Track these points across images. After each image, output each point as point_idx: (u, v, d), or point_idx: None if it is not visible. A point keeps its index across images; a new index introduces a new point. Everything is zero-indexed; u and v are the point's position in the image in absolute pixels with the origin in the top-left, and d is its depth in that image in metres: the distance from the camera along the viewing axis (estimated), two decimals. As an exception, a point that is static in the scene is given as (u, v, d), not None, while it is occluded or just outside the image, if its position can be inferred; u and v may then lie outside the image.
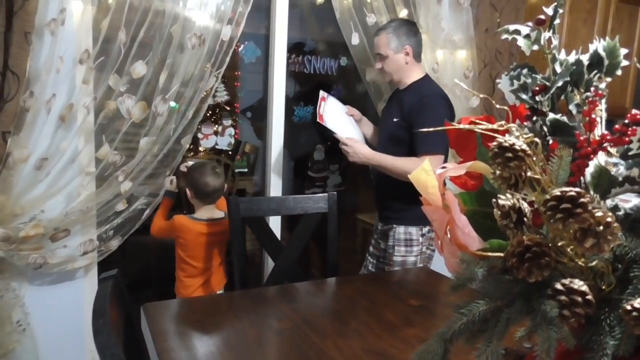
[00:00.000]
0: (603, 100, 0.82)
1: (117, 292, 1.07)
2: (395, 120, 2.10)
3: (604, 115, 0.80)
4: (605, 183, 0.72)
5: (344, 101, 2.32)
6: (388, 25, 2.11)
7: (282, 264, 1.93)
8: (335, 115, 2.20)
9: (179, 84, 1.96)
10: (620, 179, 0.74)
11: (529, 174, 0.58)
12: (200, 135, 2.67)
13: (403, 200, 2.08)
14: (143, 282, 2.81)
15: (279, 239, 2.36)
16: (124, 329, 1.11)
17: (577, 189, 0.54)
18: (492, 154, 0.54)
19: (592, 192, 0.74)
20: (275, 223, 2.43)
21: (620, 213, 0.71)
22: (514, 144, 0.53)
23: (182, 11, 1.95)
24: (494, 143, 0.54)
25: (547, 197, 0.55)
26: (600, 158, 0.79)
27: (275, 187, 2.49)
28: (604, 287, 0.63)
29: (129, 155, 1.95)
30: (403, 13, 2.42)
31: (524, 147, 0.53)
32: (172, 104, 1.99)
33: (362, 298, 1.60)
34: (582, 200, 0.54)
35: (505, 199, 0.60)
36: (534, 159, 0.55)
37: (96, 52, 1.83)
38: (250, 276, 2.50)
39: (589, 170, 0.71)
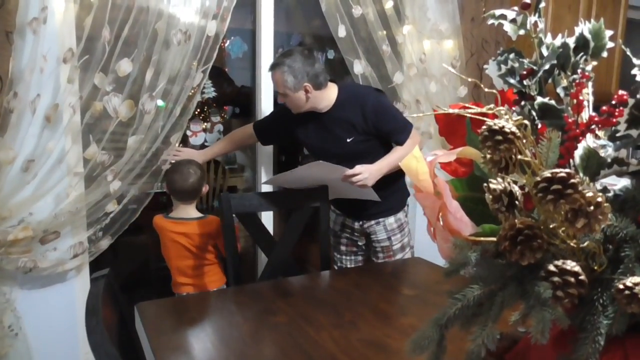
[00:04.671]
0: (590, 84, 0.83)
1: (110, 291, 1.06)
2: (349, 139, 2.03)
3: (591, 98, 0.80)
4: (594, 165, 0.72)
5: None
6: (282, 61, 1.93)
7: (276, 259, 1.93)
8: (294, 175, 2.08)
9: (166, 81, 1.94)
10: (609, 160, 0.74)
11: (519, 156, 0.58)
12: (189, 133, 2.66)
13: (387, 191, 2.08)
14: (135, 282, 2.79)
15: (272, 234, 2.36)
16: (118, 328, 1.10)
17: (567, 170, 0.54)
18: (482, 138, 0.54)
19: (581, 174, 0.75)
20: (267, 218, 2.42)
21: (610, 194, 0.72)
22: (503, 127, 0.53)
23: (167, 7, 1.93)
24: (484, 126, 0.54)
25: (538, 179, 0.55)
26: (589, 140, 0.79)
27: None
28: (595, 268, 0.64)
29: (117, 155, 1.93)
30: (389, 4, 2.42)
31: (514, 129, 0.53)
32: (160, 102, 1.97)
33: (356, 290, 1.60)
34: (572, 181, 0.54)
35: (497, 183, 0.60)
36: (524, 141, 0.55)
37: (80, 50, 1.80)
38: (244, 273, 2.49)
39: (578, 153, 0.72)
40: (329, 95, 2.04)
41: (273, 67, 1.97)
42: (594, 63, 0.78)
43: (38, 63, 1.72)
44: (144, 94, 1.90)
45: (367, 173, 1.91)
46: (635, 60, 0.72)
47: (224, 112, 3.16)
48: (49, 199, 1.85)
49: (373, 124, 2.00)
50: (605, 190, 0.73)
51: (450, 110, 0.62)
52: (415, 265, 1.93)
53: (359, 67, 2.41)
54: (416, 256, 2.14)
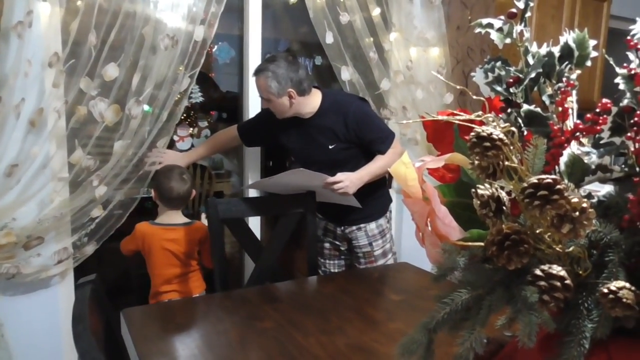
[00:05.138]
0: (574, 92, 0.85)
1: (96, 297, 1.05)
2: (332, 146, 2.04)
3: (575, 106, 0.82)
4: (579, 171, 0.74)
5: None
6: (266, 67, 1.93)
7: (263, 265, 1.92)
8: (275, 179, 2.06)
9: (153, 86, 1.94)
10: (593, 167, 0.76)
11: (506, 163, 0.59)
12: (176, 138, 2.65)
13: (368, 197, 2.09)
14: (120, 288, 2.76)
15: (259, 239, 2.35)
16: (105, 334, 1.09)
17: (554, 176, 0.56)
18: (471, 144, 0.55)
19: (566, 180, 0.76)
20: (254, 224, 2.42)
21: (594, 200, 0.74)
22: (491, 134, 0.54)
23: (153, 13, 1.92)
24: (473, 133, 0.55)
25: (525, 185, 0.56)
26: (573, 147, 0.81)
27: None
28: (580, 272, 0.65)
29: (103, 160, 1.92)
30: (376, 12, 2.44)
31: (501, 136, 0.54)
32: (146, 107, 1.96)
33: (344, 295, 1.60)
34: (558, 187, 0.55)
35: (484, 189, 0.61)
36: (511, 148, 0.56)
37: (66, 55, 1.79)
38: (230, 278, 2.48)
39: (563, 159, 0.73)
40: (313, 101, 2.04)
41: (257, 73, 1.96)
42: (579, 71, 0.80)
43: (23, 67, 1.70)
44: (131, 99, 1.89)
45: (348, 181, 1.93)
46: (618, 70, 0.74)
47: (211, 117, 3.15)
48: (33, 204, 1.83)
49: (355, 132, 2.01)
50: (589, 196, 0.75)
51: (439, 117, 0.63)
52: (402, 271, 1.94)
53: (346, 74, 2.42)
54: (403, 261, 2.15)
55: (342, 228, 2.21)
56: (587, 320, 0.63)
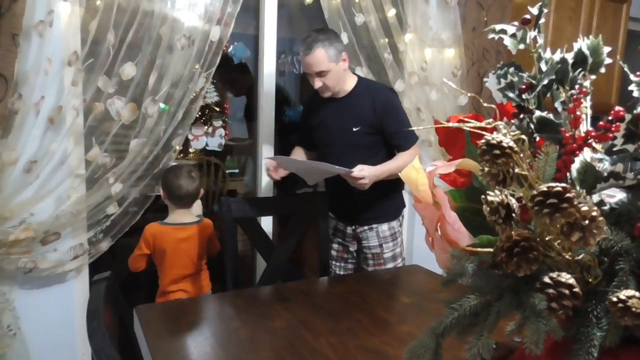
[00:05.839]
0: (588, 98, 0.84)
1: (111, 293, 1.07)
2: (355, 129, 2.05)
3: (589, 112, 0.82)
4: (591, 178, 0.74)
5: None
6: (316, 38, 1.94)
7: (274, 264, 1.94)
8: (295, 164, 2.09)
9: (169, 85, 1.96)
10: (605, 174, 0.75)
11: (516, 170, 0.60)
12: (190, 137, 2.67)
13: (382, 198, 2.09)
14: (133, 284, 2.80)
15: (271, 238, 2.37)
16: (119, 330, 1.11)
17: (564, 184, 0.56)
18: (481, 151, 0.55)
19: (578, 188, 0.76)
20: (267, 223, 2.43)
21: (606, 208, 0.73)
22: (501, 142, 0.54)
23: (171, 12, 1.94)
24: (483, 141, 0.55)
25: (535, 192, 0.56)
26: (586, 154, 0.81)
27: (266, 187, 2.50)
28: (590, 280, 0.65)
29: (119, 157, 1.95)
30: (391, 12, 2.44)
31: (512, 144, 0.54)
32: (162, 105, 1.98)
33: (355, 296, 1.61)
34: (568, 195, 0.55)
35: (494, 195, 0.61)
36: (521, 155, 0.56)
37: (85, 53, 1.82)
38: (242, 277, 2.50)
39: (575, 166, 0.73)
40: (351, 80, 2.09)
41: (310, 47, 1.94)
42: (593, 77, 0.80)
43: (43, 65, 1.74)
44: (147, 98, 1.92)
45: (367, 179, 1.93)
46: (632, 77, 0.73)
47: (226, 116, 3.18)
48: (50, 200, 1.86)
49: (380, 119, 2.02)
50: (601, 203, 0.74)
51: (449, 124, 0.63)
52: (414, 273, 1.93)
53: (361, 74, 2.42)
54: (414, 264, 2.15)
55: (353, 227, 2.20)
56: (597, 328, 0.63)
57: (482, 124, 0.60)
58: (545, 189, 0.56)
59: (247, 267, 2.80)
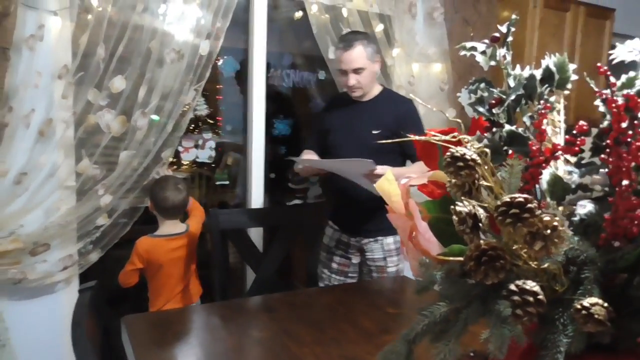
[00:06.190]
0: (562, 112, 0.88)
1: (95, 303, 1.09)
2: (375, 132, 2.06)
3: (563, 125, 0.85)
4: (560, 190, 0.77)
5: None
6: (356, 37, 2.03)
7: (262, 275, 1.95)
8: (317, 163, 2.07)
9: (159, 98, 1.99)
10: (573, 186, 0.78)
11: (482, 182, 0.62)
12: (180, 149, 2.69)
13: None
14: (122, 296, 2.79)
15: (262, 249, 2.38)
16: (104, 340, 1.12)
17: (525, 195, 0.58)
18: (445, 164, 0.58)
19: (548, 199, 0.79)
20: (257, 234, 2.45)
21: (576, 218, 0.76)
22: (464, 154, 0.56)
23: (161, 25, 1.97)
24: (448, 153, 0.58)
25: (498, 203, 0.59)
26: (560, 166, 0.84)
27: (256, 199, 2.51)
28: (557, 288, 0.67)
29: (109, 169, 1.97)
30: (379, 28, 2.49)
31: (474, 156, 0.57)
32: (153, 117, 2.01)
33: (341, 307, 1.62)
34: (529, 205, 0.58)
35: (462, 206, 0.64)
36: (485, 167, 0.59)
37: (75, 67, 1.84)
38: (232, 288, 2.50)
39: (545, 178, 0.76)
40: (377, 86, 2.15)
41: (351, 44, 2.00)
42: (567, 92, 0.83)
43: (33, 79, 1.76)
44: (137, 110, 1.94)
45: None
46: (597, 92, 0.77)
47: (218, 128, 3.20)
48: (40, 212, 1.88)
49: (401, 126, 2.00)
50: (572, 214, 0.77)
51: (416, 138, 0.66)
52: (401, 284, 1.95)
53: (349, 88, 2.46)
54: (403, 275, 2.16)
55: (357, 239, 2.15)
56: (563, 335, 0.65)
57: (447, 137, 0.62)
58: (508, 199, 0.59)
59: (237, 278, 2.81)
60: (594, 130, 0.79)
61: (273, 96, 2.85)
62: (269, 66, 2.81)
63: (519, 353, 0.73)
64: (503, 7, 2.85)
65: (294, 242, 2.03)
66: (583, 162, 0.81)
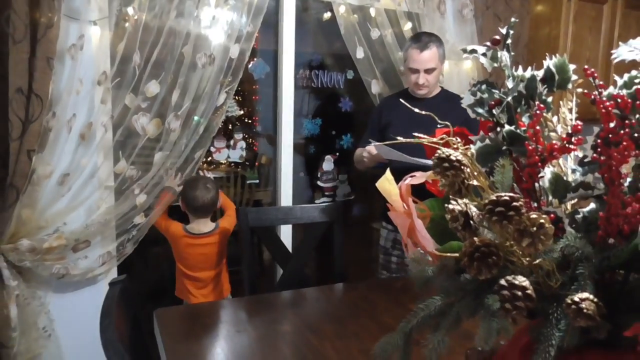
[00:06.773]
0: (574, 108, 0.89)
1: (124, 296, 1.16)
2: (440, 126, 2.09)
3: (572, 122, 0.86)
4: (561, 188, 0.78)
5: (353, 111, 2.35)
6: (431, 39, 2.15)
7: (290, 272, 2.01)
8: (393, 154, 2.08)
9: (191, 101, 2.07)
10: (574, 184, 0.80)
11: (472, 182, 0.65)
12: (212, 149, 2.79)
13: None
14: (160, 291, 2.91)
15: (292, 247, 2.44)
16: (132, 332, 1.20)
17: (510, 194, 0.61)
18: (433, 164, 0.61)
19: (550, 197, 0.81)
20: (286, 232, 2.51)
21: (579, 216, 0.77)
22: (450, 155, 0.59)
23: (195, 29, 2.05)
24: (435, 154, 0.61)
25: (485, 201, 0.62)
26: (566, 164, 0.86)
27: (286, 197, 2.58)
28: (552, 284, 0.69)
29: (144, 170, 2.07)
30: (407, 26, 2.50)
31: (460, 157, 0.60)
32: (196, 118, 2.10)
33: (364, 303, 1.66)
34: (514, 204, 0.60)
35: (455, 204, 0.66)
36: (470, 167, 0.61)
37: (113, 73, 1.95)
38: (265, 283, 2.58)
39: (547, 177, 0.78)
40: (438, 86, 2.26)
41: (427, 45, 2.12)
42: (579, 90, 0.84)
43: (75, 86, 1.88)
44: (170, 113, 2.04)
45: None
46: (586, 94, 0.77)
47: (254, 127, 3.30)
48: (82, 211, 2.00)
49: (459, 124, 2.03)
50: (575, 212, 0.78)
51: (404, 140, 0.69)
52: (427, 281, 1.96)
53: (377, 87, 2.49)
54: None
55: None
56: (556, 329, 0.67)
57: (435, 139, 0.65)
58: (494, 198, 0.61)
59: (271, 274, 2.88)
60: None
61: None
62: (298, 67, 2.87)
63: (522, 346, 0.75)
64: (537, 1, 2.80)
65: (323, 240, 2.07)
66: (586, 160, 0.82)
